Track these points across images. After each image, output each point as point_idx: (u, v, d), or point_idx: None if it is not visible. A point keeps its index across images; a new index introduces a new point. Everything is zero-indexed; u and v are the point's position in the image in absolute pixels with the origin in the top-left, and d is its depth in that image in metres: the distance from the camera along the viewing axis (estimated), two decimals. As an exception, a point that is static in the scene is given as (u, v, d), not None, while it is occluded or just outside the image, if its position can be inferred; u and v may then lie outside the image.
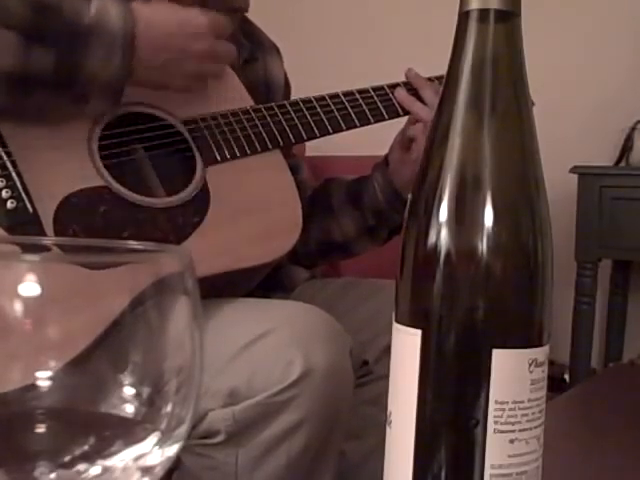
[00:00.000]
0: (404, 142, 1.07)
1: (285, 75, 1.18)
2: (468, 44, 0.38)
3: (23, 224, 0.81)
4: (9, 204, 0.81)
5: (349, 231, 1.13)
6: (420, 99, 1.07)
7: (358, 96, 1.06)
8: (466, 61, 0.38)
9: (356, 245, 1.15)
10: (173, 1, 0.90)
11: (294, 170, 1.07)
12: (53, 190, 0.84)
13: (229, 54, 0.93)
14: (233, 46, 0.93)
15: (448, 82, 0.39)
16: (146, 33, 0.83)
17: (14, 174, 0.82)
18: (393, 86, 1.09)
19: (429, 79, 1.09)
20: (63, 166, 0.85)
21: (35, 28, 0.79)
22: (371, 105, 1.07)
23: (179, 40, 0.86)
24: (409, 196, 0.40)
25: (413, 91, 1.08)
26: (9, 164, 0.82)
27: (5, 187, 0.81)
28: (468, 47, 0.38)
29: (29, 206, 0.82)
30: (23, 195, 0.82)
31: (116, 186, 0.87)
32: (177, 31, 0.86)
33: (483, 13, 0.38)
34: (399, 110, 1.08)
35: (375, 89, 1.08)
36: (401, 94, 1.08)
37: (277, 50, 1.18)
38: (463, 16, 0.39)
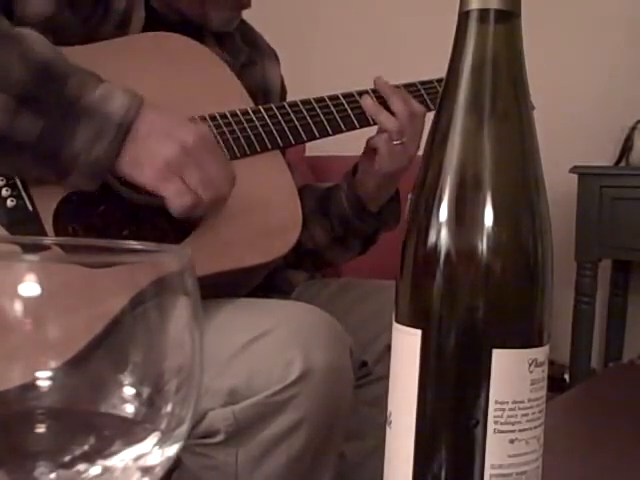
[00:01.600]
0: (368, 152, 1.05)
1: (282, 80, 1.18)
2: (468, 44, 0.38)
3: (23, 222, 0.81)
4: (9, 202, 0.81)
5: (320, 241, 1.11)
6: (388, 108, 1.04)
7: (357, 98, 1.06)
8: (466, 61, 0.38)
9: (329, 254, 1.13)
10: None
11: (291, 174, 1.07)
12: (53, 188, 0.84)
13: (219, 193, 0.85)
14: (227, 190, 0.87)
15: (448, 82, 0.39)
16: (144, 132, 0.79)
17: (14, 173, 0.82)
18: (360, 93, 1.06)
19: (396, 87, 1.07)
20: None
21: (31, 93, 0.77)
22: None
23: (168, 128, 0.82)
24: (409, 196, 0.40)
25: (381, 99, 1.05)
26: (9, 163, 0.82)
27: (5, 185, 0.82)
28: (468, 47, 0.38)
29: (29, 204, 0.82)
30: (23, 193, 0.82)
31: (116, 185, 0.87)
32: (176, 124, 0.82)
33: (483, 13, 0.38)
34: None
35: (374, 91, 1.07)
36: (367, 102, 1.04)
37: (275, 55, 1.17)
38: (463, 16, 0.39)
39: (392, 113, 1.03)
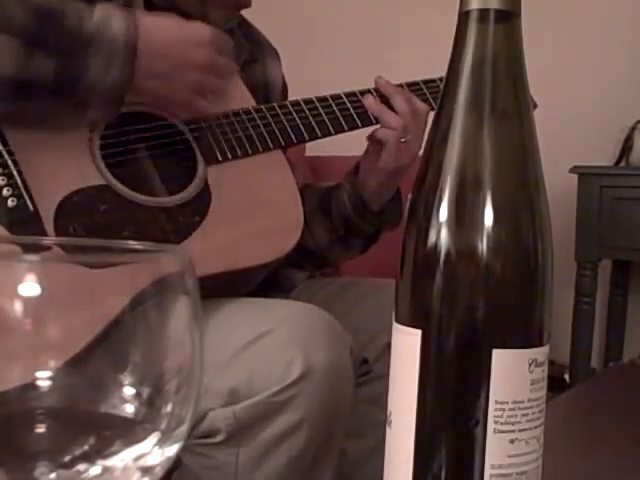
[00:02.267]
0: (374, 147, 1.05)
1: (283, 78, 1.18)
2: (468, 44, 0.38)
3: (24, 222, 0.81)
4: (10, 202, 0.81)
5: (321, 240, 1.10)
6: (390, 107, 1.04)
7: (359, 97, 1.06)
8: (466, 61, 0.38)
9: (330, 254, 1.13)
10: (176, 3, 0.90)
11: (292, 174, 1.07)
12: (54, 189, 0.84)
13: (229, 69, 0.93)
14: (233, 62, 0.93)
15: (448, 82, 0.39)
16: (147, 43, 0.83)
17: (15, 172, 0.82)
18: (362, 92, 1.06)
19: (400, 85, 1.07)
20: (64, 165, 0.86)
21: (36, 34, 0.79)
22: None
23: (180, 50, 0.86)
24: (409, 196, 0.40)
25: (383, 98, 1.05)
26: (10, 162, 0.82)
27: (6, 185, 0.82)
28: (468, 47, 0.38)
29: (30, 204, 0.82)
30: (24, 193, 0.82)
31: (117, 185, 0.87)
32: (178, 41, 0.86)
33: (483, 13, 0.38)
34: None
35: (376, 90, 1.07)
36: (370, 101, 1.05)
37: (276, 53, 1.18)
38: (463, 16, 0.39)
39: (395, 112, 1.03)
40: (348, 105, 1.05)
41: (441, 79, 1.12)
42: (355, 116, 1.05)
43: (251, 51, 1.12)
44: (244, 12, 1.09)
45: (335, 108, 1.04)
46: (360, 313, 1.02)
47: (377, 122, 1.06)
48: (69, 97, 0.81)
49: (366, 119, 1.06)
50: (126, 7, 0.85)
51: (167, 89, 0.88)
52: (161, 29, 0.85)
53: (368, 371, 1.00)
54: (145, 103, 0.92)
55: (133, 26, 0.82)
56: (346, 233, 1.10)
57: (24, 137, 0.84)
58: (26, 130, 0.84)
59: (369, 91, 1.07)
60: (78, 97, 0.81)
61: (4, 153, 0.82)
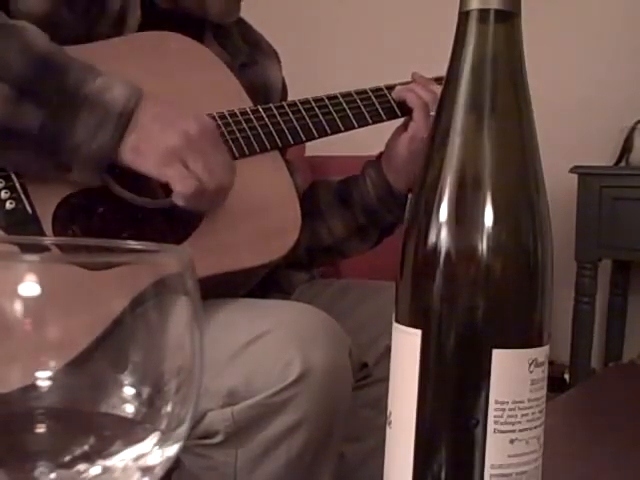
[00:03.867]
0: (401, 126, 1.06)
1: (283, 80, 1.18)
2: (468, 44, 0.38)
3: (22, 224, 0.81)
4: (8, 204, 0.81)
5: (338, 232, 1.11)
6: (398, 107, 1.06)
7: (356, 97, 1.06)
8: (466, 61, 0.38)
9: (345, 247, 1.13)
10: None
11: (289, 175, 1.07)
12: (52, 191, 0.84)
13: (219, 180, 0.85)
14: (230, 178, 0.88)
15: (448, 82, 0.39)
16: (144, 119, 0.80)
17: (13, 175, 0.82)
18: (390, 87, 1.08)
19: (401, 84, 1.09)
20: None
21: (31, 84, 0.77)
22: (369, 106, 1.07)
23: (172, 118, 0.83)
24: (409, 196, 0.40)
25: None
26: (8, 164, 0.82)
27: (4, 188, 0.81)
28: (468, 47, 0.38)
29: (28, 207, 0.82)
30: (22, 196, 0.82)
31: (115, 187, 0.87)
32: (175, 115, 0.83)
33: (483, 13, 0.38)
34: (397, 111, 1.08)
35: (373, 90, 1.08)
36: (398, 88, 1.06)
37: (276, 54, 1.17)
38: (463, 16, 0.39)
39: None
40: (344, 105, 1.05)
41: (439, 78, 1.12)
42: (351, 117, 1.05)
43: (249, 53, 1.11)
44: (243, 13, 1.09)
45: (331, 109, 1.04)
46: (359, 316, 1.02)
47: (373, 122, 1.06)
48: (52, 155, 0.79)
49: (362, 119, 1.06)
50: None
51: (144, 165, 0.82)
52: (161, 113, 0.82)
53: (368, 375, 0.99)
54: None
55: (135, 98, 0.80)
56: (367, 223, 1.10)
57: None
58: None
59: (365, 91, 1.07)
60: (61, 156, 0.79)
61: (2, 155, 0.82)
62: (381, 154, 1.10)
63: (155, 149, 0.80)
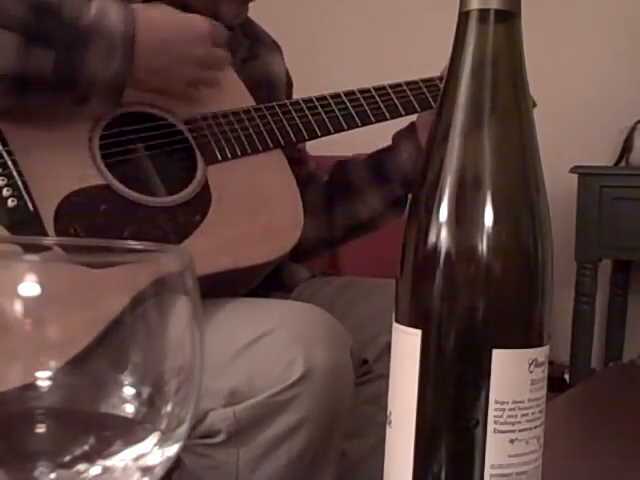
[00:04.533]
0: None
1: (287, 71, 1.18)
2: (468, 44, 0.38)
3: (24, 223, 0.81)
4: (10, 202, 0.81)
5: (375, 207, 1.12)
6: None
7: (359, 95, 1.06)
8: (466, 61, 0.38)
9: (381, 220, 1.15)
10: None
11: (302, 163, 1.07)
12: (54, 189, 0.84)
13: (223, 61, 0.94)
14: (228, 53, 0.94)
15: (448, 82, 0.39)
16: (146, 36, 0.83)
17: (15, 173, 0.82)
18: (361, 91, 1.08)
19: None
20: (64, 165, 0.86)
21: (34, 29, 0.79)
22: (372, 105, 1.07)
23: (178, 45, 0.87)
24: (409, 196, 0.40)
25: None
26: (10, 163, 0.82)
27: (6, 185, 0.81)
28: (468, 47, 0.38)
29: (30, 205, 0.82)
30: (24, 194, 0.82)
31: (117, 185, 0.87)
32: (177, 36, 0.87)
33: (483, 13, 0.38)
34: (400, 110, 1.08)
35: (377, 89, 1.07)
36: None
37: (277, 46, 1.17)
38: (463, 16, 0.39)
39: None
40: (347, 104, 1.05)
41: (440, 78, 1.12)
42: (354, 115, 1.05)
43: (251, 47, 1.11)
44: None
45: (334, 107, 1.04)
46: (360, 313, 1.02)
47: (377, 121, 1.06)
48: (69, 91, 0.82)
49: (365, 118, 1.06)
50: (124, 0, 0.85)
51: (163, 83, 0.89)
52: (159, 24, 0.85)
53: (368, 371, 0.99)
54: (145, 102, 0.92)
55: (130, 18, 0.82)
56: (404, 194, 1.11)
57: (24, 137, 0.84)
58: (26, 130, 0.84)
59: (368, 90, 1.07)
60: (78, 91, 0.82)
61: (4, 154, 0.82)
62: (412, 124, 1.11)
63: (167, 61, 0.86)
